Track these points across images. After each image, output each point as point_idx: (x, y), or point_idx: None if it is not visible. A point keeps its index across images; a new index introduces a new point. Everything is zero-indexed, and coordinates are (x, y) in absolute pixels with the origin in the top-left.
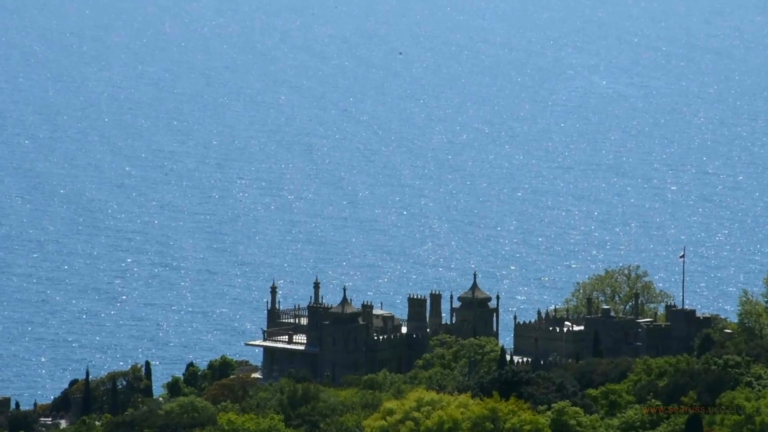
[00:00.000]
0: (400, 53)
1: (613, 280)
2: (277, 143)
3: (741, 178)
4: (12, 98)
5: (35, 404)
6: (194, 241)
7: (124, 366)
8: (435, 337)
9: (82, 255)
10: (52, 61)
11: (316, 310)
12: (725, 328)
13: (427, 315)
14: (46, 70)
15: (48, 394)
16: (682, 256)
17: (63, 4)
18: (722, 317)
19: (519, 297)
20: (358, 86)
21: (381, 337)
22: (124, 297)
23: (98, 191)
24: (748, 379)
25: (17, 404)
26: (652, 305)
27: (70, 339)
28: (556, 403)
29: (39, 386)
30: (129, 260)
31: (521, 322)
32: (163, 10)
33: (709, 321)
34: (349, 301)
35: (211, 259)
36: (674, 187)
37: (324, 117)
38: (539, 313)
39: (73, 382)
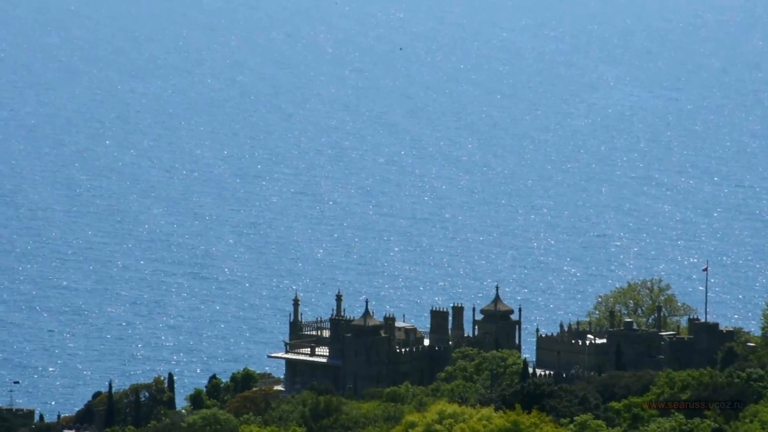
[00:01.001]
0: (401, 48)
1: (635, 293)
2: (314, 152)
3: None
4: (48, 109)
5: (59, 416)
6: (219, 249)
7: (146, 378)
8: (457, 350)
9: (111, 264)
10: (88, 72)
11: (338, 323)
12: (748, 342)
13: (450, 327)
14: (82, 80)
15: (71, 407)
16: (706, 269)
17: (98, 16)
18: (745, 331)
19: (541, 310)
20: (390, 97)
21: (403, 350)
22: (146, 309)
23: (133, 200)
24: None
25: (41, 416)
26: (674, 318)
27: (95, 351)
28: (578, 416)
29: (63, 398)
30: (151, 269)
31: (543, 335)
32: (197, 24)
33: (732, 334)
34: (371, 313)
35: (235, 269)
36: (698, 199)
37: (356, 126)
38: (561, 325)
39: (97, 395)
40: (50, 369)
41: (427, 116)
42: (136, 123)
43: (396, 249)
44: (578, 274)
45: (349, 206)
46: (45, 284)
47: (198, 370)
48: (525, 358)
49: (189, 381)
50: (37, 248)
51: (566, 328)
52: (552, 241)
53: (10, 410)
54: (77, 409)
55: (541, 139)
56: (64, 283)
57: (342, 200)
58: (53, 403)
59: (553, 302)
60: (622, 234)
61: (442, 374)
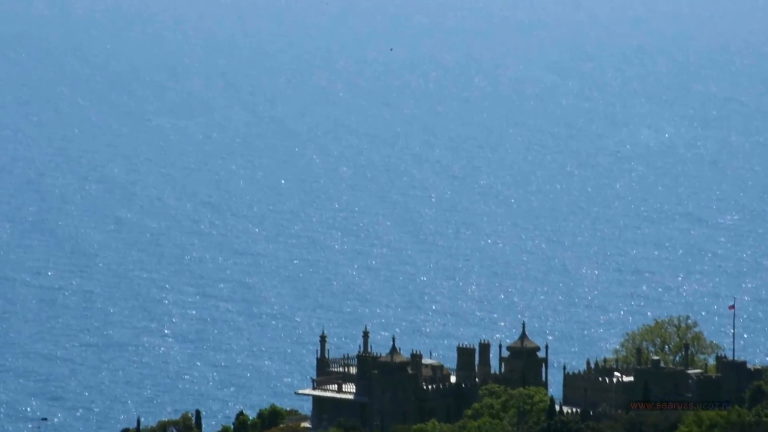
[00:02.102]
0: (391, 49)
1: (662, 330)
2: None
3: None
4: (88, 142)
5: None
6: (246, 291)
7: (174, 414)
8: (484, 387)
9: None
10: (126, 104)
11: (365, 360)
12: None
13: (476, 364)
14: (119, 111)
15: None
16: (732, 307)
17: (134, 47)
18: None
19: (568, 347)
20: (427, 133)
21: (430, 387)
22: (163, 349)
23: (175, 235)
24: None
25: None
26: (702, 356)
27: (122, 388)
28: None
29: None
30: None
31: (570, 373)
32: (233, 57)
33: (760, 373)
34: (398, 350)
35: (259, 305)
36: (722, 238)
37: (393, 161)
38: (588, 363)
39: (124, 431)
40: (82, 401)
41: (461, 149)
42: (177, 158)
43: (424, 290)
44: (606, 311)
45: (388, 241)
46: (87, 316)
47: (225, 408)
48: (552, 396)
49: (216, 417)
50: (82, 282)
51: (593, 366)
52: (579, 277)
53: None
54: None
55: (575, 173)
56: (108, 314)
57: (383, 234)
58: None
59: (580, 339)
60: (649, 271)
61: (469, 411)
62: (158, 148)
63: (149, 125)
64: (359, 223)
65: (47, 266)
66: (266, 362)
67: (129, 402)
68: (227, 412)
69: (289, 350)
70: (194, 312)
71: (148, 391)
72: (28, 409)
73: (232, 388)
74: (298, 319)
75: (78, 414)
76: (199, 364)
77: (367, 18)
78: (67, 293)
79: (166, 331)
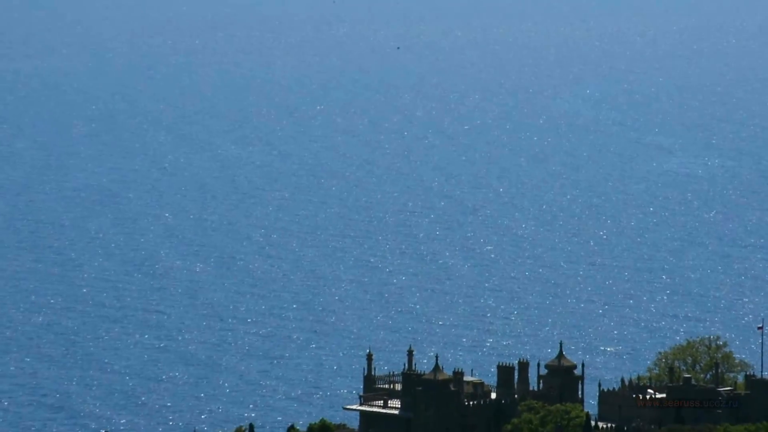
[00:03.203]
0: (398, 47)
1: (693, 350)
2: (370, 220)
3: None
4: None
5: None
6: (302, 313)
7: (228, 428)
8: (523, 403)
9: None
10: (197, 134)
11: (409, 377)
12: None
13: (515, 382)
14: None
15: None
16: (761, 327)
17: (206, 86)
18: None
19: (604, 364)
20: (447, 164)
21: (471, 403)
22: (222, 363)
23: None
24: None
25: None
26: (731, 374)
27: (169, 404)
28: None
29: None
30: (243, 335)
31: (605, 390)
32: (277, 85)
33: None
34: (441, 368)
35: (307, 325)
36: (748, 263)
37: (416, 196)
38: (623, 380)
39: None
40: (134, 419)
41: (511, 174)
42: (246, 187)
43: (466, 310)
44: (639, 332)
45: (445, 264)
46: (153, 326)
47: (277, 422)
48: (588, 412)
49: (269, 430)
50: (161, 300)
51: (627, 383)
52: (612, 302)
53: None
54: None
55: (598, 204)
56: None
57: (413, 264)
58: None
59: (615, 358)
60: (681, 295)
61: (509, 426)
62: (228, 175)
63: (218, 153)
64: (419, 246)
65: (127, 286)
66: (316, 378)
67: (181, 410)
68: (279, 425)
69: (331, 369)
70: (262, 329)
71: (199, 402)
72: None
73: (286, 402)
74: (352, 336)
75: (126, 428)
76: (258, 377)
77: (424, 58)
78: (141, 311)
79: (232, 345)
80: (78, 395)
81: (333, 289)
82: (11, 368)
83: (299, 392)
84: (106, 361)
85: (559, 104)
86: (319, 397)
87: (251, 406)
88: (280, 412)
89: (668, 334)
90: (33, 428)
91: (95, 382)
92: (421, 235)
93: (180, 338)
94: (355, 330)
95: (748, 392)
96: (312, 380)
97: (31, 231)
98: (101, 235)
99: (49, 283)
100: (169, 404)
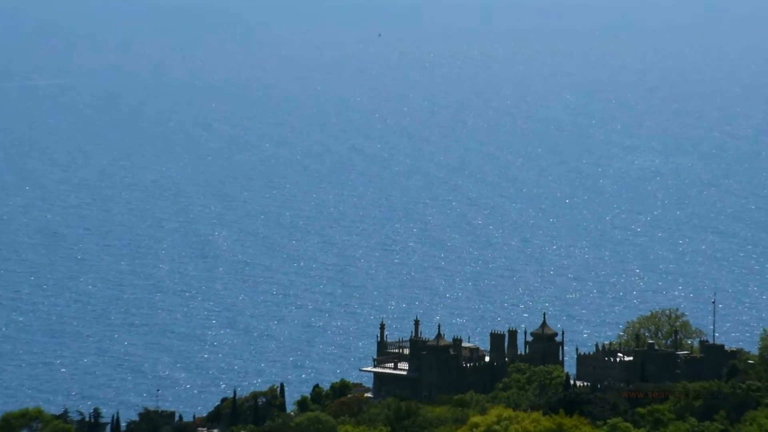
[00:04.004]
0: (379, 34)
1: (656, 319)
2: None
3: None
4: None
5: (194, 417)
6: (327, 288)
7: (263, 387)
8: (512, 365)
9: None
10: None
11: (416, 343)
12: (748, 360)
13: (506, 347)
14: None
15: (203, 410)
16: (714, 300)
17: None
18: (746, 350)
19: (580, 333)
20: (452, 161)
21: (468, 365)
22: (275, 337)
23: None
24: (767, 401)
25: (180, 417)
26: (688, 340)
27: (223, 365)
28: (610, 419)
29: (197, 403)
30: (278, 307)
31: (582, 353)
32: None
33: (735, 354)
34: (442, 335)
35: (330, 299)
36: (704, 246)
37: (432, 193)
38: (597, 346)
39: (224, 400)
40: (189, 379)
41: (483, 178)
42: (284, 180)
43: (464, 286)
44: (611, 304)
45: (455, 248)
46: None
47: (304, 381)
48: (567, 372)
49: (296, 389)
50: (229, 284)
51: (600, 348)
52: (588, 278)
53: (156, 411)
54: (208, 411)
55: (577, 196)
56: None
57: (420, 247)
58: (189, 407)
59: (590, 327)
60: (647, 273)
61: (500, 385)
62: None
63: (261, 153)
64: (431, 232)
65: (186, 265)
66: (337, 346)
67: (225, 372)
68: (306, 384)
69: (349, 337)
70: (298, 300)
71: (241, 366)
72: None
73: (309, 369)
74: (362, 312)
75: (186, 387)
76: (292, 342)
77: (437, 67)
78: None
79: (273, 314)
80: (144, 356)
81: (356, 267)
82: (91, 331)
83: (324, 355)
84: (171, 328)
85: (542, 111)
86: (340, 359)
87: (280, 366)
88: (306, 373)
89: (637, 305)
90: (112, 385)
91: (159, 345)
92: (431, 221)
93: (232, 308)
94: (371, 302)
95: (702, 355)
96: (335, 345)
97: (103, 218)
98: (164, 222)
99: (120, 262)
100: (223, 365)
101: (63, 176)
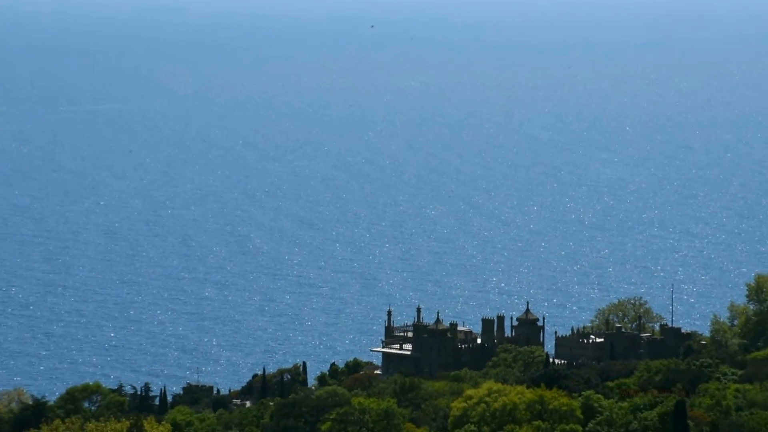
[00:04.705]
0: (372, 26)
1: (623, 306)
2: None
3: (724, 236)
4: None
5: (230, 390)
6: (345, 279)
7: (288, 365)
8: (500, 346)
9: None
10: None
11: (418, 327)
12: (701, 341)
13: (495, 330)
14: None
15: (237, 384)
16: (671, 290)
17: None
18: (699, 333)
19: (558, 318)
20: (451, 171)
21: (463, 346)
22: (298, 322)
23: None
24: (717, 375)
25: (218, 390)
26: (651, 324)
27: (258, 351)
28: (584, 391)
29: (232, 378)
30: (304, 296)
31: (560, 336)
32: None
33: (690, 336)
34: (441, 320)
35: (346, 290)
36: (665, 243)
37: (432, 195)
38: (573, 329)
39: (255, 376)
40: (229, 357)
41: (479, 185)
42: (309, 190)
43: (461, 278)
44: (585, 294)
45: (429, 247)
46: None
47: (323, 360)
48: (547, 352)
49: (317, 366)
50: (267, 276)
51: (575, 331)
52: (566, 271)
53: (196, 386)
54: (241, 385)
55: (558, 201)
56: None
57: (424, 244)
58: (225, 382)
59: (566, 313)
60: (616, 266)
61: (490, 363)
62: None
63: (290, 165)
64: (437, 231)
65: (229, 262)
66: (351, 329)
67: (256, 352)
68: (324, 363)
69: (361, 322)
70: (322, 289)
71: (269, 346)
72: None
73: (327, 349)
74: (371, 301)
75: (221, 363)
76: (317, 325)
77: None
78: (240, 280)
79: (302, 302)
80: (190, 337)
81: (370, 262)
82: (144, 316)
83: (340, 337)
84: (213, 314)
85: (526, 128)
86: (354, 341)
87: (303, 348)
88: (325, 352)
89: (606, 294)
90: (162, 362)
91: (202, 328)
92: (436, 223)
93: (264, 297)
94: (381, 291)
95: (662, 337)
96: (350, 329)
97: (155, 221)
98: (208, 224)
99: (169, 257)
100: (254, 346)
101: (120, 185)
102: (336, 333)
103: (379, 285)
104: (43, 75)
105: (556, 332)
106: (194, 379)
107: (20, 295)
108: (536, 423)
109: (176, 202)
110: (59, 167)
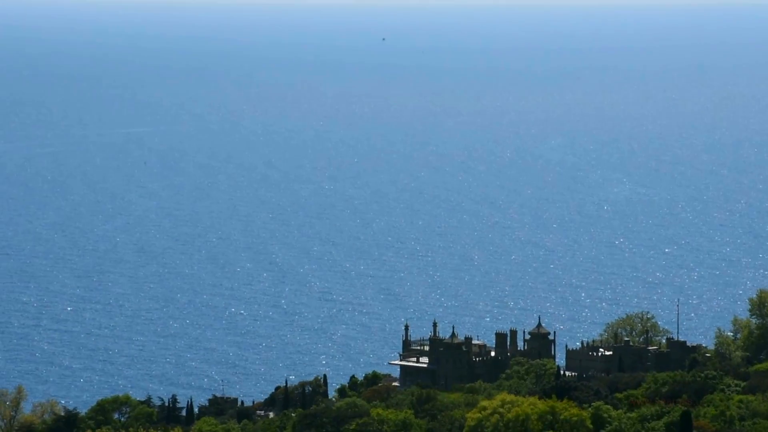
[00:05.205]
0: (384, 39)
1: (631, 321)
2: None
3: (728, 252)
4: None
5: (253, 402)
6: (369, 295)
7: (309, 377)
8: (513, 359)
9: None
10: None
11: (434, 341)
12: (706, 354)
13: (508, 344)
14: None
15: (260, 396)
16: (678, 305)
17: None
18: (704, 346)
19: (569, 331)
20: (469, 189)
21: (477, 359)
22: (321, 335)
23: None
24: (721, 387)
25: (242, 402)
26: (657, 338)
27: (280, 364)
28: (594, 402)
29: (256, 390)
30: (330, 312)
31: (570, 349)
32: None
33: (695, 348)
34: (456, 334)
35: (367, 304)
36: (676, 259)
37: (452, 213)
38: (582, 342)
39: (277, 388)
40: (256, 370)
41: (494, 202)
42: (331, 210)
43: (476, 295)
44: (594, 308)
45: (444, 261)
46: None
47: (343, 372)
48: (558, 365)
49: (337, 379)
50: (282, 284)
51: (585, 345)
52: (576, 286)
53: (222, 398)
54: (264, 397)
55: (570, 219)
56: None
57: (442, 260)
58: (248, 394)
59: (576, 327)
60: (622, 282)
61: (503, 375)
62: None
63: (315, 186)
64: (457, 247)
65: (255, 272)
66: (370, 343)
67: (280, 365)
68: (344, 375)
69: (379, 336)
70: (347, 306)
71: (291, 359)
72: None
73: (347, 362)
74: (384, 313)
75: (251, 374)
76: (341, 339)
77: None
78: (262, 295)
79: (325, 314)
80: (217, 349)
81: (391, 274)
82: (173, 330)
83: (359, 351)
84: (242, 327)
85: (540, 150)
86: (372, 355)
87: (324, 361)
88: (345, 365)
89: (614, 309)
90: (189, 373)
91: (230, 340)
92: (456, 240)
93: (290, 311)
94: (401, 306)
95: (669, 350)
96: (369, 342)
97: (186, 237)
98: (237, 241)
99: (200, 272)
100: (277, 359)
101: (151, 204)
102: (356, 346)
103: (400, 299)
104: (76, 101)
105: (566, 345)
106: (219, 391)
107: (55, 310)
108: None
109: (207, 222)
110: (92, 188)
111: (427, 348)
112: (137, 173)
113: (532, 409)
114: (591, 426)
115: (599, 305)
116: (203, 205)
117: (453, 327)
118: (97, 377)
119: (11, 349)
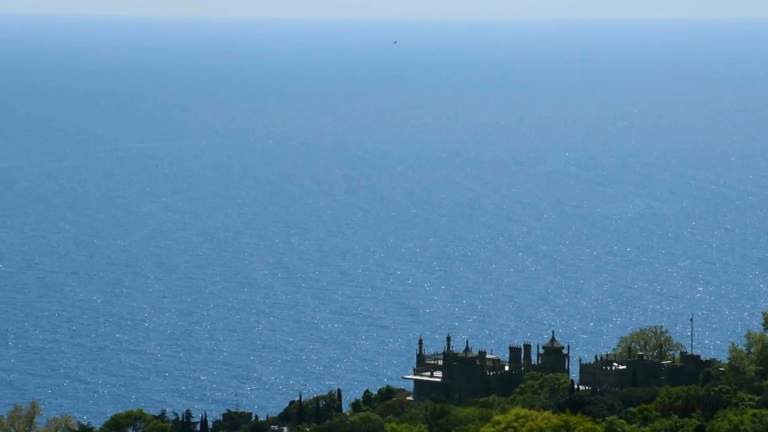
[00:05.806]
0: (395, 42)
1: (645, 335)
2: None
3: (741, 267)
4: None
5: (267, 417)
6: (387, 308)
7: (323, 392)
8: (527, 373)
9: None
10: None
11: (448, 355)
12: (720, 368)
13: (521, 358)
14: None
15: (275, 411)
16: (691, 319)
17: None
18: (718, 360)
19: (582, 346)
20: (479, 205)
21: (491, 373)
22: (337, 349)
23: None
24: (735, 401)
25: (255, 416)
26: (671, 352)
27: (292, 381)
28: (608, 417)
29: (271, 404)
30: (350, 326)
31: (584, 363)
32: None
33: (709, 362)
34: (470, 348)
35: (383, 318)
36: (688, 272)
37: (473, 233)
38: (596, 356)
39: (291, 402)
40: (268, 387)
41: (506, 217)
42: (338, 227)
43: (490, 308)
44: (608, 322)
45: (459, 275)
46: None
47: (356, 387)
48: (572, 379)
49: (351, 393)
50: (300, 296)
51: (599, 359)
52: (590, 300)
53: (235, 412)
54: (278, 412)
55: (585, 233)
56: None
57: (459, 275)
58: (262, 408)
59: (590, 341)
60: (639, 295)
61: (517, 389)
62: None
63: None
64: (475, 262)
65: (272, 280)
66: (383, 357)
67: (292, 380)
68: (358, 390)
69: (392, 350)
70: (363, 313)
71: (306, 373)
72: (254, 374)
73: (361, 375)
74: (404, 328)
75: (266, 387)
76: (344, 359)
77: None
78: (279, 306)
79: (341, 325)
80: (234, 362)
81: (410, 287)
82: (191, 344)
83: (373, 365)
84: (260, 340)
85: (548, 164)
86: (386, 369)
87: (338, 375)
88: (359, 379)
89: (628, 323)
90: (203, 386)
91: (248, 353)
92: (475, 253)
93: (312, 325)
94: (410, 322)
95: (683, 364)
96: (383, 356)
97: (206, 251)
98: (256, 254)
99: (219, 285)
100: (292, 373)
101: (168, 217)
102: (370, 361)
103: (416, 313)
104: (93, 116)
105: (580, 360)
106: (234, 405)
107: (72, 324)
108: None
109: (225, 235)
110: (109, 202)
111: (440, 362)
112: (154, 187)
113: (546, 423)
114: None
115: (613, 319)
116: (220, 218)
117: (467, 341)
118: (113, 390)
119: (28, 362)
